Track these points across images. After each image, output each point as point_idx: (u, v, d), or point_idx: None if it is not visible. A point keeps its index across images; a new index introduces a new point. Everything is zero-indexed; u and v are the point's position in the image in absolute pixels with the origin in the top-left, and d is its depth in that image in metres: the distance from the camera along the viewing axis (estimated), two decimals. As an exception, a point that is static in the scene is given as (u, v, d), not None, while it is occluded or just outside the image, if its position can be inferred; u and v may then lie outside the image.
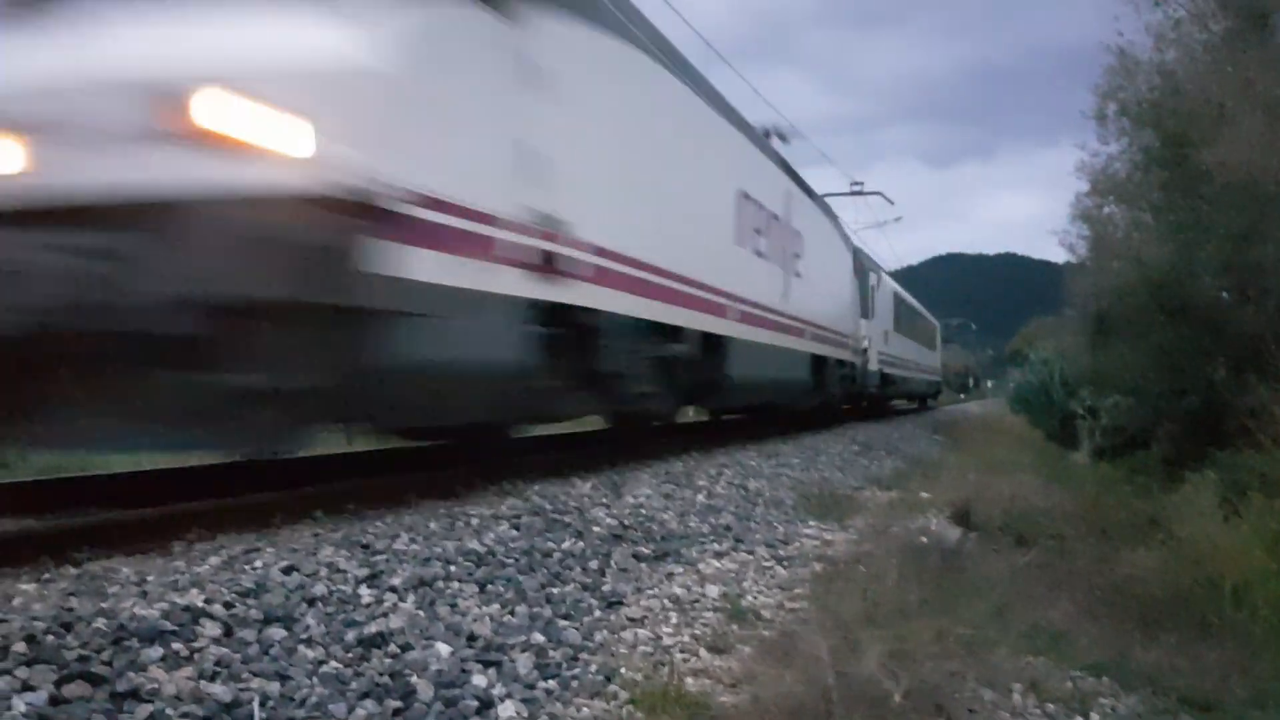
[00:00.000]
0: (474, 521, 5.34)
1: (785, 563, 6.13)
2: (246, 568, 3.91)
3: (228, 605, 3.38)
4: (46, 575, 3.81)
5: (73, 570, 3.91)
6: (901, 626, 4.66)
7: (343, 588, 3.83)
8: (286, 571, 3.85)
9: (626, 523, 6.11)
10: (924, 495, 9.94)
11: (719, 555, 6.02)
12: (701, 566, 5.64)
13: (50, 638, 2.89)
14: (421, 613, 3.81)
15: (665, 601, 4.78)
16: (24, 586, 3.55)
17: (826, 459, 12.45)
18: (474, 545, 4.81)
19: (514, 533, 5.24)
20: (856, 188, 34.79)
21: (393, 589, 3.95)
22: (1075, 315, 24.82)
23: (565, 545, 5.26)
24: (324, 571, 3.95)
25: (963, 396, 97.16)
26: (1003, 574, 6.79)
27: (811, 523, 7.76)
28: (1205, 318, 15.79)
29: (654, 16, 11.39)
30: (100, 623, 3.02)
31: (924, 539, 7.44)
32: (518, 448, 8.50)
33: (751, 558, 6.11)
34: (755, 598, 5.17)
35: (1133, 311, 17.88)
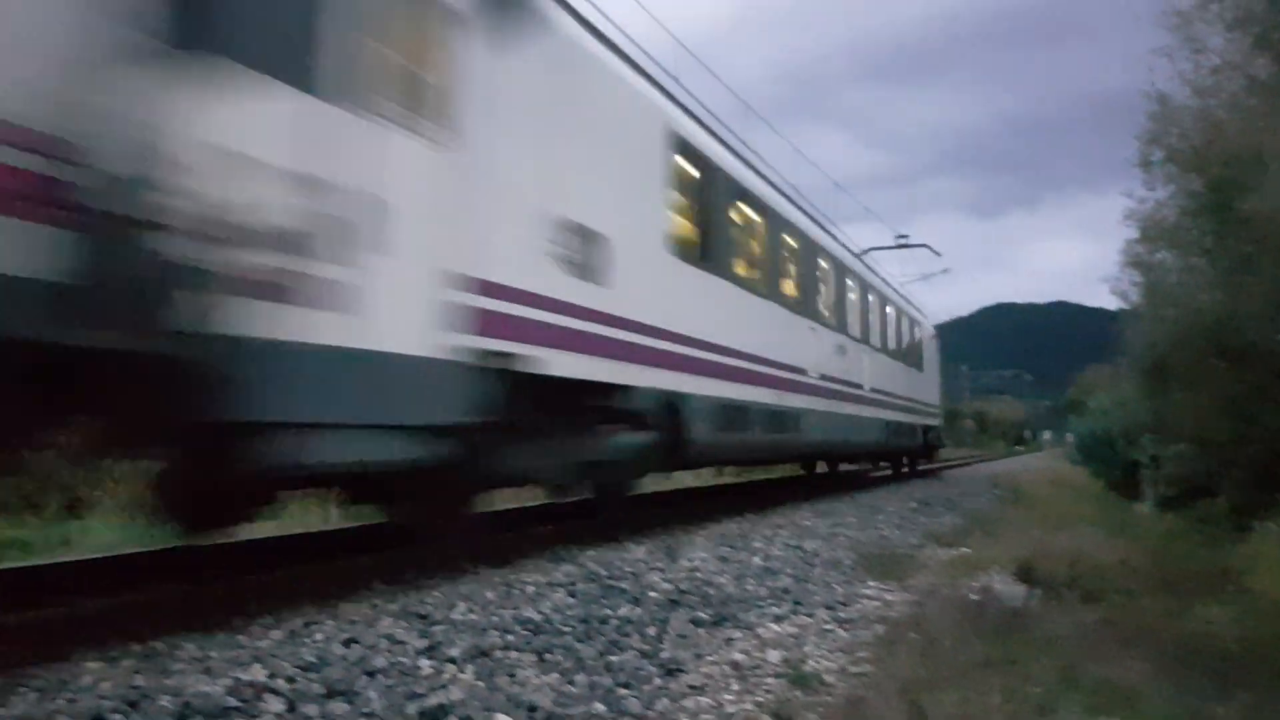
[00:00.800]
0: (530, 589, 5.33)
1: (846, 625, 6.03)
2: (307, 641, 3.93)
3: (290, 680, 3.39)
4: (113, 653, 3.86)
5: (137, 647, 3.95)
6: (968, 687, 4.56)
7: (402, 659, 3.83)
8: (347, 644, 3.87)
9: (683, 587, 6.06)
10: (985, 552, 9.76)
11: (778, 619, 5.94)
12: (761, 631, 5.57)
13: (118, 716, 2.92)
14: (481, 683, 3.79)
15: (725, 668, 4.72)
16: (91, 665, 3.59)
17: (884, 517, 12.29)
18: (531, 614, 4.80)
19: (570, 600, 5.23)
20: (902, 240, 34.57)
21: (451, 660, 3.95)
22: (1132, 363, 24.46)
23: (622, 611, 5.22)
24: (384, 643, 3.96)
25: (1020, 449, 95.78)
26: (1070, 631, 6.64)
27: (871, 583, 7.64)
28: (1266, 363, 15.48)
29: (692, 80, 10.91)
30: (165, 700, 3.05)
31: (987, 597, 7.29)
32: (572, 514, 8.50)
33: (811, 621, 6.02)
34: (817, 662, 5.09)
35: (1191, 358, 17.57)
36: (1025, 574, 8.59)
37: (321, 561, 6.69)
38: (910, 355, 22.20)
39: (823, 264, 14.86)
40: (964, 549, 10.21)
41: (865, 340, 17.22)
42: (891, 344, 20.01)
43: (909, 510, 13.90)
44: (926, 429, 23.82)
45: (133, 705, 3.00)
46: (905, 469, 24.93)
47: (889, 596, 7.16)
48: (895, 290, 22.33)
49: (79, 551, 8.18)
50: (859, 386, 16.23)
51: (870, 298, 18.12)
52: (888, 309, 19.88)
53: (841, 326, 15.63)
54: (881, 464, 24.60)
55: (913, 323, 23.25)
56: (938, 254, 36.01)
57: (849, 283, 16.51)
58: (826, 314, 14.87)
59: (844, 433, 15.23)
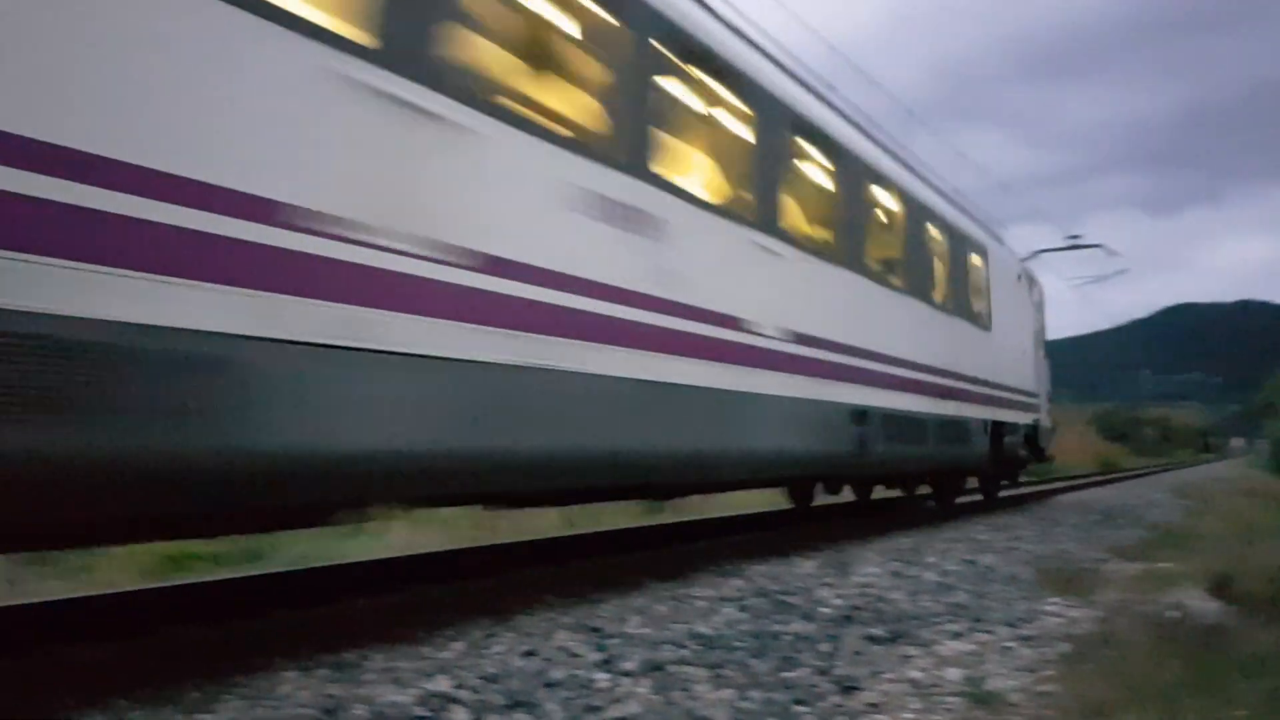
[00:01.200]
0: (700, 604, 5.34)
1: (1028, 642, 5.80)
2: (487, 652, 4.03)
3: (474, 691, 3.48)
4: (307, 663, 4.04)
5: (329, 658, 4.14)
6: (1164, 710, 4.32)
7: (578, 672, 3.89)
8: (525, 656, 3.96)
9: (855, 603, 5.95)
10: (1175, 566, 9.25)
11: (956, 636, 5.77)
12: (938, 648, 5.41)
13: (317, 723, 3.06)
14: (658, 697, 3.81)
15: (904, 685, 4.60)
16: (288, 674, 3.78)
17: (1063, 530, 11.82)
18: (703, 628, 4.80)
19: (741, 615, 5.20)
20: (1073, 241, 33.03)
21: (627, 673, 3.98)
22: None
23: (794, 627, 5.17)
24: (560, 656, 4.03)
25: (1208, 457, 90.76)
26: (1273, 651, 6.21)
27: (1053, 599, 7.34)
28: None
29: (850, 88, 10.68)
30: (360, 710, 3.17)
31: (1179, 613, 6.90)
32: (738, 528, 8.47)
33: (991, 638, 5.82)
34: (999, 681, 4.91)
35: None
36: (1220, 589, 8.09)
37: (493, 575, 6.87)
38: (960, 298, 12.43)
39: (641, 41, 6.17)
40: (1151, 563, 9.70)
41: (811, 248, 8.54)
42: (905, 269, 10.85)
43: (1090, 523, 13.31)
44: (1001, 428, 13.91)
45: (329, 713, 3.14)
46: (980, 495, 15.66)
47: (1073, 613, 6.86)
48: (923, 179, 12.05)
49: (269, 565, 8.63)
50: (767, 334, 7.30)
51: (847, 163, 9.25)
52: (886, 197, 10.52)
53: (710, 195, 7.17)
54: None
55: (965, 243, 12.81)
56: (1114, 253, 33.41)
57: (759, 114, 7.61)
58: (623, 136, 6.06)
59: (696, 433, 6.47)
